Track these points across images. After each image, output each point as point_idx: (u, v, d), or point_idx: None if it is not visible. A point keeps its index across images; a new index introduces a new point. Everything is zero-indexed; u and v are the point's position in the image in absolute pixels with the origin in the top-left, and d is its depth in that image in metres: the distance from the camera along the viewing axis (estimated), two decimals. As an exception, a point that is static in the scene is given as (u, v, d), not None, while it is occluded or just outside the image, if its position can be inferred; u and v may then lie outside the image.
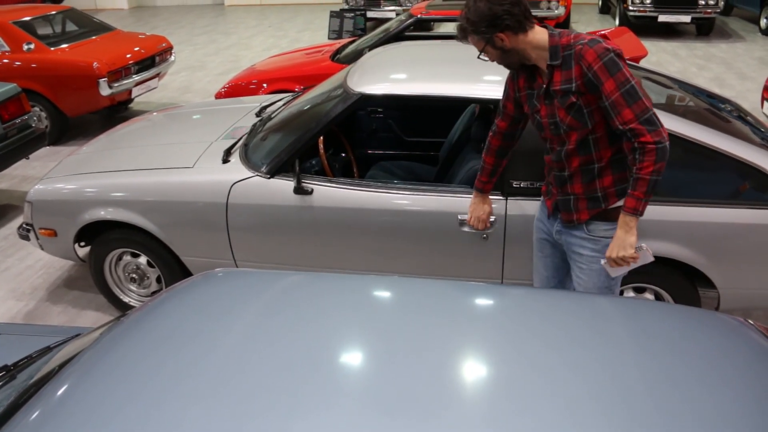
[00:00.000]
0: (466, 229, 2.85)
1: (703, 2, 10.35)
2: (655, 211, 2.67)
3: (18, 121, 4.99)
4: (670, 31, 11.39)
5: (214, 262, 3.22)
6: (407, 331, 1.42)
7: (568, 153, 2.26)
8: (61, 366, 1.46)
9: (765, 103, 5.74)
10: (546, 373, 1.27)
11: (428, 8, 6.24)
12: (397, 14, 9.79)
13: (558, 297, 1.66)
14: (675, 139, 2.61)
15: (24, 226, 3.57)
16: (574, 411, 1.17)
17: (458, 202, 2.88)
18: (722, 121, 3.12)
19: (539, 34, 2.17)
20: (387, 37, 5.82)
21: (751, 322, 1.64)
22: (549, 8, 10.23)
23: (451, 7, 6.29)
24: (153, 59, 6.95)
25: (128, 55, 6.60)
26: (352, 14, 7.47)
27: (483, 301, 1.60)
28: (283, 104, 3.85)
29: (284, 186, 3.02)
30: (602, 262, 2.28)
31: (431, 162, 4.27)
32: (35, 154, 5.62)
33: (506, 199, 2.85)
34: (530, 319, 1.49)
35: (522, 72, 2.31)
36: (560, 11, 10.28)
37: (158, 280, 3.50)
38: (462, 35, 2.23)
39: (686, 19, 10.53)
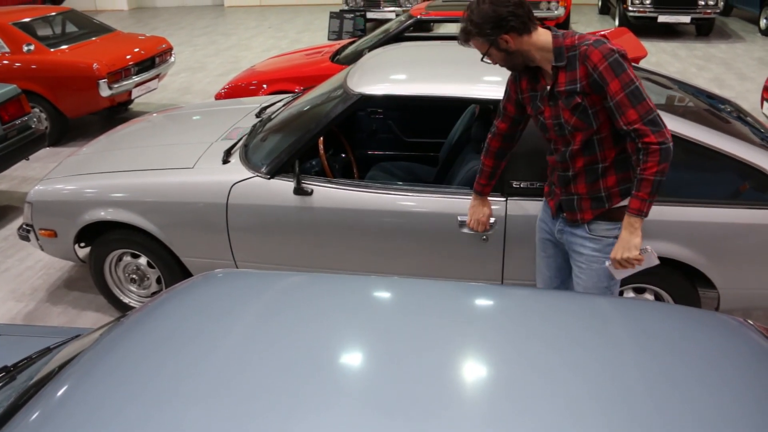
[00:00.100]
0: (465, 230, 2.85)
1: (702, 3, 10.35)
2: (655, 212, 2.67)
3: (18, 122, 5.00)
4: (670, 32, 11.40)
5: (214, 263, 3.23)
6: (407, 331, 1.42)
7: (572, 153, 2.26)
8: (61, 367, 1.46)
9: (765, 103, 5.74)
10: (546, 374, 1.27)
11: (428, 9, 6.24)
12: (397, 15, 9.80)
13: (558, 297, 1.66)
14: (675, 139, 2.60)
15: (24, 226, 3.57)
16: (575, 411, 1.17)
17: (458, 204, 2.88)
18: (722, 121, 3.13)
19: (543, 36, 2.17)
20: (387, 37, 5.82)
21: (751, 323, 1.64)
22: (549, 9, 10.23)
23: (450, 7, 6.29)
24: (153, 60, 6.95)
25: (128, 56, 6.60)
26: (352, 15, 7.47)
27: (483, 302, 1.60)
28: (283, 105, 3.86)
29: (284, 186, 3.02)
30: (606, 263, 2.28)
31: (431, 163, 4.27)
32: (35, 155, 5.62)
33: (506, 200, 2.85)
34: (530, 320, 1.49)
35: (524, 74, 2.31)
36: (560, 12, 10.29)
37: (158, 280, 3.50)
38: (465, 38, 2.21)
39: (686, 19, 10.54)
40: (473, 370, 1.31)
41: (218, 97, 5.69)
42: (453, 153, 3.59)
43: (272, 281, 1.68)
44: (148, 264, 3.44)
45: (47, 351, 1.78)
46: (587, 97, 2.14)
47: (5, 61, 6.26)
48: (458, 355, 1.34)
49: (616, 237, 2.29)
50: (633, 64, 3.80)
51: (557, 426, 1.14)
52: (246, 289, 1.64)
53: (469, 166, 3.08)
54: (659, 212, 2.70)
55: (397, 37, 5.80)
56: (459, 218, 2.86)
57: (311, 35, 12.06)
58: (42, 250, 3.59)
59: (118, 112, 7.29)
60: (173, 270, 3.37)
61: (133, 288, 3.57)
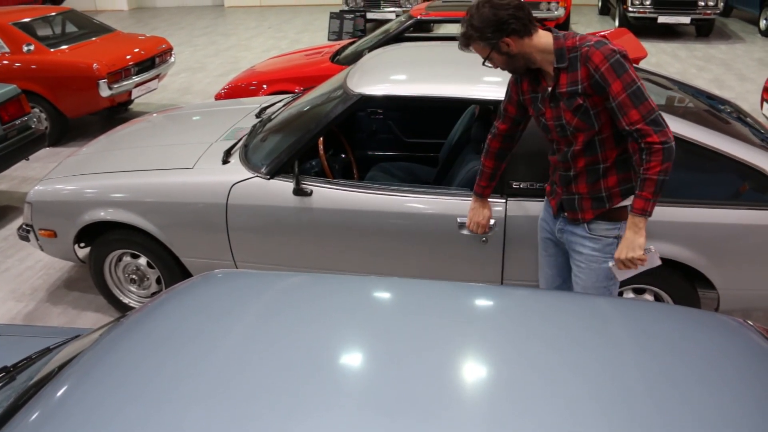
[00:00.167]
0: (465, 232, 2.85)
1: (702, 3, 10.35)
2: (654, 212, 2.67)
3: (18, 122, 5.00)
4: (670, 33, 11.40)
5: (214, 263, 3.23)
6: (407, 332, 1.42)
7: (574, 154, 2.26)
8: (61, 367, 1.46)
9: (764, 104, 5.74)
10: (546, 374, 1.27)
11: (428, 9, 6.24)
12: (397, 15, 9.80)
13: (558, 298, 1.66)
14: (675, 140, 2.61)
15: (24, 227, 3.57)
16: (575, 411, 1.17)
17: (457, 205, 2.87)
18: (722, 122, 3.13)
19: (544, 38, 2.17)
20: (387, 38, 5.82)
21: (751, 323, 1.64)
22: (549, 9, 10.23)
23: (450, 8, 6.29)
24: (153, 60, 6.95)
25: (128, 57, 6.60)
26: (352, 15, 7.48)
27: (483, 302, 1.60)
28: (283, 105, 3.86)
29: (284, 187, 3.02)
30: (610, 264, 2.29)
31: (431, 163, 4.27)
32: (35, 155, 5.62)
33: (506, 201, 2.85)
34: (530, 320, 1.49)
35: (526, 75, 2.31)
36: (560, 12, 10.29)
37: (158, 281, 3.50)
38: (465, 43, 2.20)
39: (686, 20, 10.54)
40: (473, 371, 1.31)
41: (218, 97, 5.69)
42: (453, 153, 3.59)
43: (272, 281, 1.68)
44: (148, 264, 3.44)
45: (47, 351, 1.78)
46: (589, 98, 2.14)
47: (5, 61, 6.26)
48: (458, 356, 1.34)
49: (616, 237, 2.30)
50: (633, 64, 3.81)
51: (557, 426, 1.14)
52: (246, 289, 1.64)
53: (469, 167, 3.08)
54: (659, 213, 2.70)
55: (397, 38, 5.80)
56: (459, 220, 2.86)
57: (311, 35, 12.06)
58: (42, 250, 3.59)
59: (118, 113, 7.29)
60: (173, 270, 3.37)
61: (132, 288, 3.57)
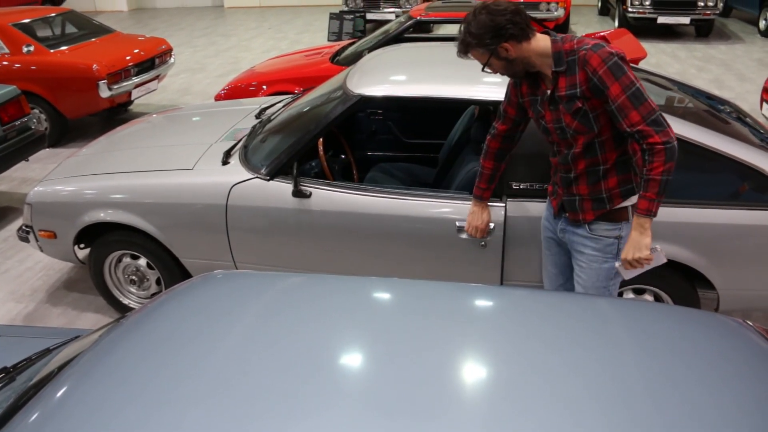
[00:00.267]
0: (464, 236, 2.84)
1: (702, 4, 10.36)
2: (654, 213, 2.68)
3: (17, 123, 4.99)
4: (670, 33, 11.41)
5: (214, 264, 3.22)
6: (407, 332, 1.42)
7: (574, 156, 2.27)
8: (61, 368, 1.46)
9: (764, 104, 5.74)
10: (546, 374, 1.27)
11: (428, 10, 6.24)
12: (397, 16, 9.80)
13: (558, 298, 1.66)
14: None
15: (23, 227, 3.57)
16: (574, 412, 1.17)
17: (456, 208, 2.87)
18: (721, 122, 3.13)
19: (542, 41, 2.17)
20: (386, 39, 5.82)
21: (750, 324, 1.64)
22: (548, 10, 10.23)
23: (450, 9, 6.29)
24: (152, 61, 6.95)
25: (128, 57, 6.60)
26: (352, 16, 7.48)
27: (483, 303, 1.60)
28: (283, 106, 3.86)
29: (283, 188, 3.02)
30: (617, 264, 2.31)
31: (431, 164, 4.27)
32: (35, 156, 5.62)
33: (505, 206, 2.84)
34: (530, 320, 1.49)
35: (525, 78, 2.31)
36: (559, 13, 10.29)
37: (158, 282, 3.50)
38: (464, 50, 2.21)
39: (685, 20, 10.54)
40: (473, 371, 1.32)
41: (218, 98, 5.69)
42: (453, 154, 3.59)
43: (272, 282, 1.68)
44: (148, 265, 3.44)
45: (47, 352, 1.78)
46: (588, 101, 2.14)
47: (5, 62, 6.26)
48: (458, 356, 1.34)
49: (617, 237, 2.31)
50: (633, 65, 3.81)
51: (557, 426, 1.14)
52: (245, 290, 1.64)
53: (469, 167, 3.08)
54: (659, 213, 2.69)
55: (397, 38, 5.80)
56: (457, 223, 2.86)
57: (311, 36, 12.06)
58: (41, 251, 3.59)
59: (118, 113, 7.29)
60: (173, 271, 3.37)
61: (132, 289, 3.57)
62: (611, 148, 2.23)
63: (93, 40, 6.94)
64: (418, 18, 6.00)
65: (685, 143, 2.70)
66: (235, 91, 5.60)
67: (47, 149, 6.01)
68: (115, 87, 6.34)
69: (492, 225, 2.78)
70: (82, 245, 3.52)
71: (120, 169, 3.39)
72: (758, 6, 11.27)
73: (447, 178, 3.43)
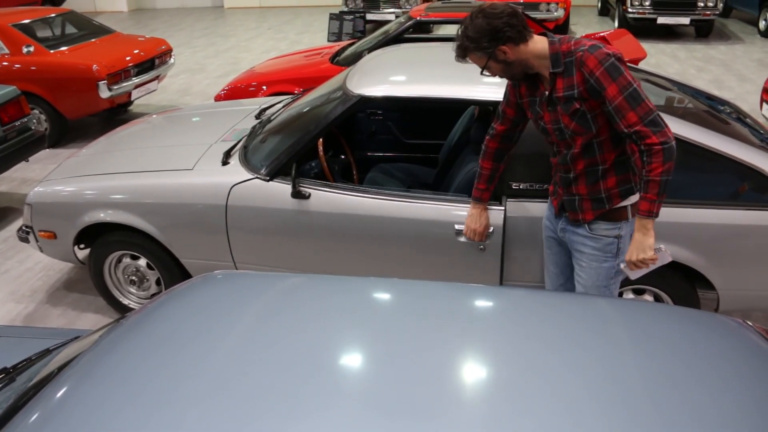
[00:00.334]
0: (462, 239, 2.84)
1: (702, 4, 10.36)
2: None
3: (17, 123, 4.99)
4: (669, 33, 11.41)
5: (214, 264, 3.22)
6: (407, 332, 1.42)
7: (573, 156, 2.28)
8: (61, 368, 1.46)
9: (764, 104, 5.75)
10: (546, 375, 1.27)
11: (427, 11, 6.24)
12: (397, 17, 9.80)
13: (557, 298, 1.66)
14: (675, 140, 2.61)
15: (23, 228, 3.57)
16: (574, 412, 1.17)
17: (455, 211, 2.86)
18: (721, 122, 3.13)
19: (539, 43, 2.18)
20: (386, 39, 5.82)
21: (750, 324, 1.64)
22: (548, 10, 10.24)
23: (450, 9, 6.29)
24: (152, 62, 6.95)
25: (128, 58, 6.60)
26: (352, 17, 7.48)
27: (483, 303, 1.60)
28: (283, 106, 3.86)
29: (283, 189, 3.02)
30: (621, 266, 2.32)
31: (431, 164, 4.27)
32: (35, 156, 5.62)
33: (505, 207, 2.84)
34: (530, 321, 1.49)
35: (523, 80, 2.32)
36: (559, 13, 10.30)
37: (158, 282, 3.50)
38: (462, 54, 2.22)
39: (685, 21, 10.54)
40: (473, 371, 1.32)
41: (218, 98, 5.69)
42: (452, 154, 3.59)
43: (272, 282, 1.68)
44: (148, 265, 3.44)
45: (47, 352, 1.78)
46: (585, 102, 2.15)
47: (5, 63, 6.26)
48: (458, 356, 1.34)
49: (616, 237, 2.32)
50: (632, 65, 3.81)
51: (557, 426, 1.14)
52: (245, 290, 1.64)
53: (469, 168, 3.08)
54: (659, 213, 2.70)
55: (397, 39, 5.80)
56: (456, 227, 2.85)
57: (311, 37, 12.07)
58: (41, 251, 3.59)
59: (118, 114, 7.30)
60: (173, 271, 3.37)
61: (132, 289, 3.57)
62: (609, 149, 2.24)
63: (93, 40, 6.94)
64: (418, 18, 6.00)
65: (685, 143, 2.70)
66: (234, 92, 5.60)
67: (47, 150, 6.01)
68: (115, 87, 6.35)
69: (491, 229, 2.78)
70: (82, 246, 3.52)
71: (120, 170, 3.39)
72: (758, 6, 11.27)
73: (447, 179, 3.43)
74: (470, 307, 1.58)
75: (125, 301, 3.58)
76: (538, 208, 2.78)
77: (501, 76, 2.28)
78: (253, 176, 3.08)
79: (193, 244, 3.22)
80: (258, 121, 3.76)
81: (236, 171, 3.14)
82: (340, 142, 3.81)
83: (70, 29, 7.11)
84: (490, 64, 2.21)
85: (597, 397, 1.21)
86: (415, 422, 1.14)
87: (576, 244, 2.40)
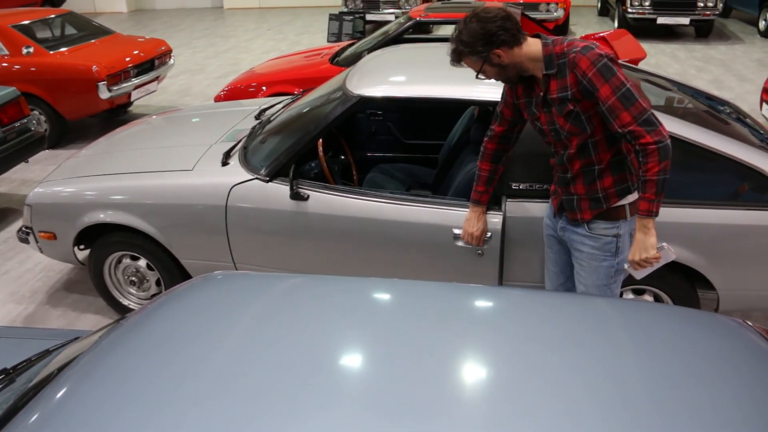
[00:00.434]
0: (460, 243, 2.83)
1: (701, 4, 10.36)
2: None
3: (17, 124, 4.99)
4: (669, 33, 11.41)
5: (214, 265, 3.22)
6: (407, 333, 1.42)
7: (569, 157, 2.30)
8: (60, 369, 1.46)
9: (764, 104, 5.75)
10: (546, 375, 1.27)
11: (427, 11, 6.24)
12: (396, 17, 9.81)
13: (557, 298, 1.66)
14: (674, 140, 2.61)
15: (23, 229, 3.57)
16: (574, 413, 1.17)
17: (453, 215, 2.85)
18: (721, 122, 3.13)
19: (533, 45, 2.20)
20: (386, 39, 5.82)
21: (750, 324, 1.64)
22: (548, 11, 10.25)
23: (449, 9, 6.29)
24: (152, 62, 6.95)
25: (127, 59, 6.60)
26: (351, 17, 7.48)
27: (483, 303, 1.60)
28: (283, 107, 3.86)
29: (282, 190, 3.01)
30: (626, 266, 2.33)
31: (430, 164, 4.27)
32: (34, 157, 5.62)
33: (504, 210, 2.83)
34: (530, 321, 1.49)
35: (520, 81, 2.33)
36: (559, 14, 10.30)
37: (158, 283, 3.50)
38: (457, 59, 2.24)
39: (685, 21, 10.54)
40: (473, 371, 1.31)
41: (217, 99, 5.69)
42: (452, 155, 3.59)
43: (271, 283, 1.68)
44: (148, 266, 3.44)
45: (46, 353, 1.78)
46: (579, 103, 2.17)
47: (4, 64, 6.26)
48: (458, 356, 1.34)
49: (615, 236, 2.33)
50: (632, 65, 3.81)
51: (557, 426, 1.14)
52: (245, 290, 1.64)
53: (469, 168, 3.08)
54: (659, 213, 2.70)
55: (397, 39, 5.80)
56: (454, 231, 2.84)
57: (311, 37, 12.07)
58: (41, 252, 3.59)
59: (118, 115, 7.30)
60: (172, 272, 3.37)
61: (132, 290, 3.57)
62: (605, 149, 2.25)
63: (92, 41, 6.94)
64: (418, 19, 6.00)
65: (685, 143, 2.71)
66: (234, 92, 5.60)
67: (47, 150, 6.01)
68: (115, 88, 6.34)
69: (489, 234, 2.77)
70: (82, 246, 3.52)
71: (120, 170, 3.39)
72: (758, 6, 11.27)
73: (447, 179, 3.43)
74: (470, 307, 1.58)
75: (125, 302, 3.58)
76: (538, 209, 2.78)
77: (496, 80, 2.30)
78: (252, 177, 3.08)
79: (193, 245, 3.22)
80: (258, 121, 3.76)
81: (236, 171, 3.14)
82: (339, 142, 3.81)
83: (70, 30, 7.11)
84: (485, 68, 2.22)
85: (597, 397, 1.21)
86: (415, 422, 1.14)
87: (575, 243, 2.41)
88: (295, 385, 1.23)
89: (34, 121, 5.31)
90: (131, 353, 1.39)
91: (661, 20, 10.58)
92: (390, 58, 3.49)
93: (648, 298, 2.98)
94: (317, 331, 1.42)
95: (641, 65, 5.20)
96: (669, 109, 3.16)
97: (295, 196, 2.97)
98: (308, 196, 2.98)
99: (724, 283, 2.84)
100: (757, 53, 9.89)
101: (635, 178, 2.29)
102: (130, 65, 6.56)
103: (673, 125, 2.71)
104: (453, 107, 4.02)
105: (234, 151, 3.34)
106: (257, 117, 3.87)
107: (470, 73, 3.03)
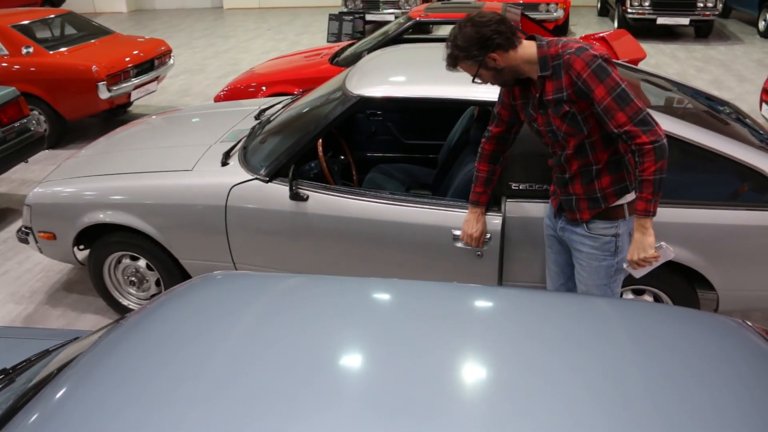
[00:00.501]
0: (459, 245, 2.83)
1: (701, 4, 10.36)
2: (654, 213, 2.68)
3: (17, 124, 4.99)
4: (669, 34, 11.41)
5: (213, 265, 3.22)
6: (407, 332, 1.41)
7: (567, 157, 2.31)
8: (60, 369, 1.45)
9: (763, 105, 5.75)
10: (545, 375, 1.27)
11: (427, 11, 6.24)
12: (396, 17, 9.81)
13: (557, 298, 1.66)
14: (674, 141, 2.61)
15: (23, 229, 3.56)
16: (574, 413, 1.17)
17: (453, 217, 2.85)
18: (721, 123, 3.13)
19: (528, 48, 2.21)
20: (386, 40, 5.82)
21: (750, 324, 1.64)
22: (548, 11, 10.25)
23: (449, 10, 6.29)
24: (152, 62, 6.95)
25: (127, 59, 6.60)
26: (351, 17, 7.48)
27: (482, 303, 1.60)
28: (282, 107, 3.86)
29: (282, 190, 3.01)
30: (624, 266, 2.33)
31: (430, 164, 4.27)
32: (34, 157, 5.62)
33: (504, 211, 2.83)
34: (529, 321, 1.49)
35: (517, 83, 2.34)
36: (559, 14, 10.30)
37: (157, 283, 3.50)
38: (452, 63, 2.25)
39: (685, 21, 10.54)
40: (473, 371, 1.31)
41: (217, 99, 5.69)
42: (452, 155, 3.59)
43: (271, 283, 1.68)
44: (147, 266, 3.44)
45: (46, 353, 1.78)
46: (575, 104, 2.17)
47: (4, 64, 6.26)
48: (458, 357, 1.34)
49: (614, 235, 2.34)
50: (632, 66, 3.81)
51: (557, 427, 1.14)
52: (245, 291, 1.64)
53: (468, 168, 3.08)
54: (658, 214, 2.69)
55: (396, 39, 5.80)
56: (453, 232, 2.84)
57: (310, 37, 12.07)
58: (41, 252, 3.58)
59: (117, 115, 7.29)
60: (172, 272, 3.37)
61: (132, 290, 3.57)
62: (602, 149, 2.26)
63: (92, 41, 6.94)
64: (418, 19, 6.00)
65: (684, 144, 2.70)
66: (234, 93, 5.60)
67: (46, 151, 6.01)
68: (115, 88, 6.34)
69: (488, 235, 2.77)
70: (81, 246, 3.52)
71: (119, 171, 3.38)
72: (758, 7, 11.28)
73: (446, 179, 3.43)
74: (470, 307, 1.58)
75: (125, 302, 3.58)
76: (538, 209, 2.78)
77: (492, 83, 2.31)
78: (252, 177, 3.08)
79: (193, 245, 3.22)
80: (257, 121, 3.76)
81: (236, 172, 3.14)
82: (339, 142, 3.81)
83: (70, 30, 7.11)
84: (481, 72, 2.23)
85: (597, 398, 1.21)
86: (414, 422, 1.14)
87: (575, 243, 2.42)
88: (295, 385, 1.23)
89: (34, 121, 5.31)
90: (131, 353, 1.39)
91: (660, 20, 10.58)
92: (390, 59, 3.49)
93: (648, 298, 2.98)
94: (317, 331, 1.42)
95: (641, 65, 5.20)
96: (669, 109, 3.16)
97: (295, 196, 2.97)
98: (308, 197, 2.98)
99: (724, 284, 2.84)
100: (756, 53, 9.89)
101: (633, 177, 2.29)
102: (129, 65, 6.56)
103: (672, 125, 2.71)
104: (453, 107, 4.02)
105: (234, 151, 3.34)
106: (257, 117, 3.87)
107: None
